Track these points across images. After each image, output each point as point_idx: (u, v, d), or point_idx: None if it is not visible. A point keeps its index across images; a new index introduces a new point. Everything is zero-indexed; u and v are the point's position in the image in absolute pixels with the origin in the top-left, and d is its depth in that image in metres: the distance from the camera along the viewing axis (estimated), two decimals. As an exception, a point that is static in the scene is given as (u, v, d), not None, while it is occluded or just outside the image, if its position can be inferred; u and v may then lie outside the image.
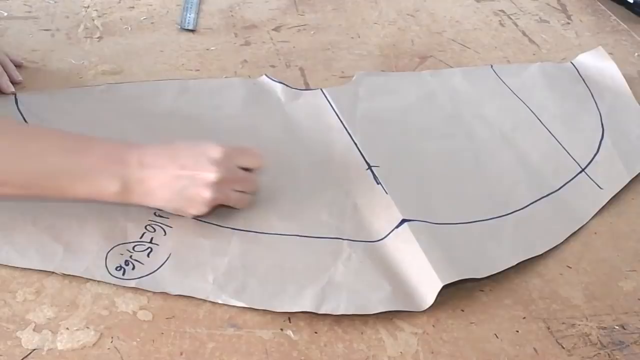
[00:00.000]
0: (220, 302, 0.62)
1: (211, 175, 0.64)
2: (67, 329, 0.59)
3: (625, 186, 0.80)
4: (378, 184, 0.74)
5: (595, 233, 0.74)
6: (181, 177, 0.64)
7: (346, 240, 0.68)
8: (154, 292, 0.62)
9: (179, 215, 0.68)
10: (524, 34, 1.09)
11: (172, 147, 0.66)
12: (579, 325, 0.63)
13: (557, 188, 0.78)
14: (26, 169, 0.62)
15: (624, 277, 0.69)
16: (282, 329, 0.61)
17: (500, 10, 1.15)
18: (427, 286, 0.63)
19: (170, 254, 0.65)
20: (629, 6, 1.17)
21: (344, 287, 0.64)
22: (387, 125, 0.85)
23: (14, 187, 0.62)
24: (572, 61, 1.00)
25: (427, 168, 0.79)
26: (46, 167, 0.62)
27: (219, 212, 0.69)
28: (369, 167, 0.76)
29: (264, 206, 0.71)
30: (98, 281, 0.63)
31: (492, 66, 0.98)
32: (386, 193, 0.72)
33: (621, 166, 0.82)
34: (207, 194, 0.64)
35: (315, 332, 0.61)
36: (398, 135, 0.83)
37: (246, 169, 0.69)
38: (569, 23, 1.13)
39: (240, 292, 0.63)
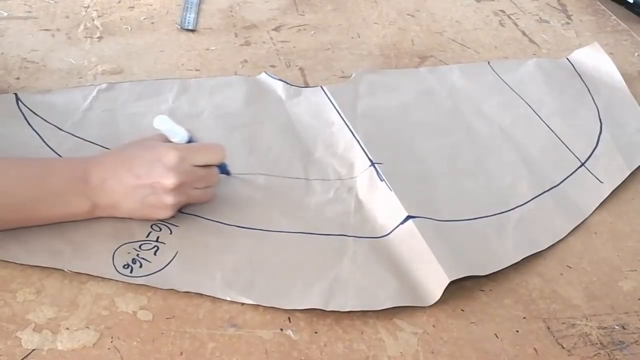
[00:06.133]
0: (228, 299, 0.62)
1: (168, 181, 0.64)
2: (67, 329, 0.59)
3: (626, 186, 0.80)
4: (382, 180, 0.74)
5: (595, 233, 0.74)
6: (140, 187, 0.64)
7: (351, 237, 0.69)
8: (154, 293, 0.62)
9: (184, 214, 0.68)
10: (524, 34, 1.09)
11: (126, 155, 0.66)
12: (579, 325, 0.63)
13: (558, 182, 0.78)
14: None
15: (624, 277, 0.69)
16: (282, 329, 0.61)
17: (500, 10, 1.15)
18: (433, 281, 0.63)
19: (177, 252, 0.65)
20: (629, 6, 1.17)
21: (351, 284, 0.64)
22: (388, 122, 0.85)
23: None
24: (568, 57, 1.01)
25: (429, 165, 0.79)
26: (14, 201, 0.62)
27: (223, 210, 0.69)
28: (372, 164, 0.76)
29: (269, 204, 0.72)
30: (98, 281, 0.63)
31: (489, 62, 0.98)
32: (390, 190, 0.72)
33: (620, 160, 0.82)
34: (168, 200, 0.65)
35: (315, 332, 0.61)
36: (399, 132, 0.84)
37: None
38: (569, 23, 1.13)
39: (248, 290, 0.63)
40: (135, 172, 0.64)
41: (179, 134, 0.67)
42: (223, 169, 0.71)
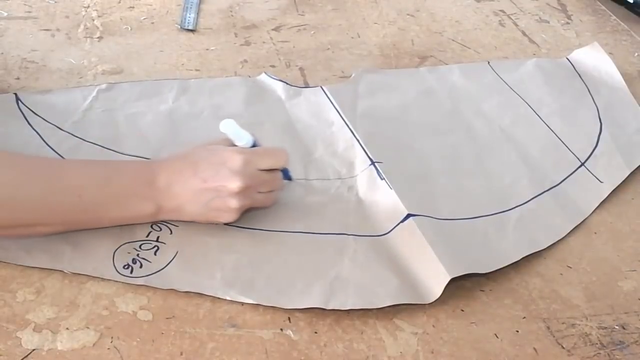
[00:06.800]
0: (228, 298, 0.62)
1: (234, 185, 0.64)
2: (67, 329, 0.59)
3: (625, 186, 0.80)
4: (382, 179, 0.74)
5: (595, 233, 0.74)
6: (206, 191, 0.64)
7: (351, 236, 0.69)
8: (154, 293, 0.62)
9: None
10: (524, 34, 1.09)
11: (192, 158, 0.66)
12: (579, 325, 0.63)
13: (558, 182, 0.79)
14: (63, 208, 0.62)
15: (624, 277, 0.69)
16: (282, 329, 0.61)
17: (500, 10, 1.15)
18: (434, 279, 0.64)
19: (177, 252, 0.65)
20: (629, 6, 1.17)
21: (352, 282, 0.64)
22: (388, 121, 0.85)
23: (52, 226, 0.63)
24: (568, 57, 1.01)
25: (429, 164, 0.79)
26: (81, 203, 0.62)
27: None
28: (372, 162, 0.76)
29: None
30: (98, 281, 0.63)
31: (489, 62, 0.98)
32: (390, 188, 0.72)
33: (620, 160, 0.82)
34: (233, 203, 0.65)
35: (315, 332, 0.61)
36: (399, 131, 0.84)
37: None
38: (569, 23, 1.13)
39: (249, 289, 0.63)
40: (200, 175, 0.64)
41: (244, 138, 0.68)
42: (285, 174, 0.71)
